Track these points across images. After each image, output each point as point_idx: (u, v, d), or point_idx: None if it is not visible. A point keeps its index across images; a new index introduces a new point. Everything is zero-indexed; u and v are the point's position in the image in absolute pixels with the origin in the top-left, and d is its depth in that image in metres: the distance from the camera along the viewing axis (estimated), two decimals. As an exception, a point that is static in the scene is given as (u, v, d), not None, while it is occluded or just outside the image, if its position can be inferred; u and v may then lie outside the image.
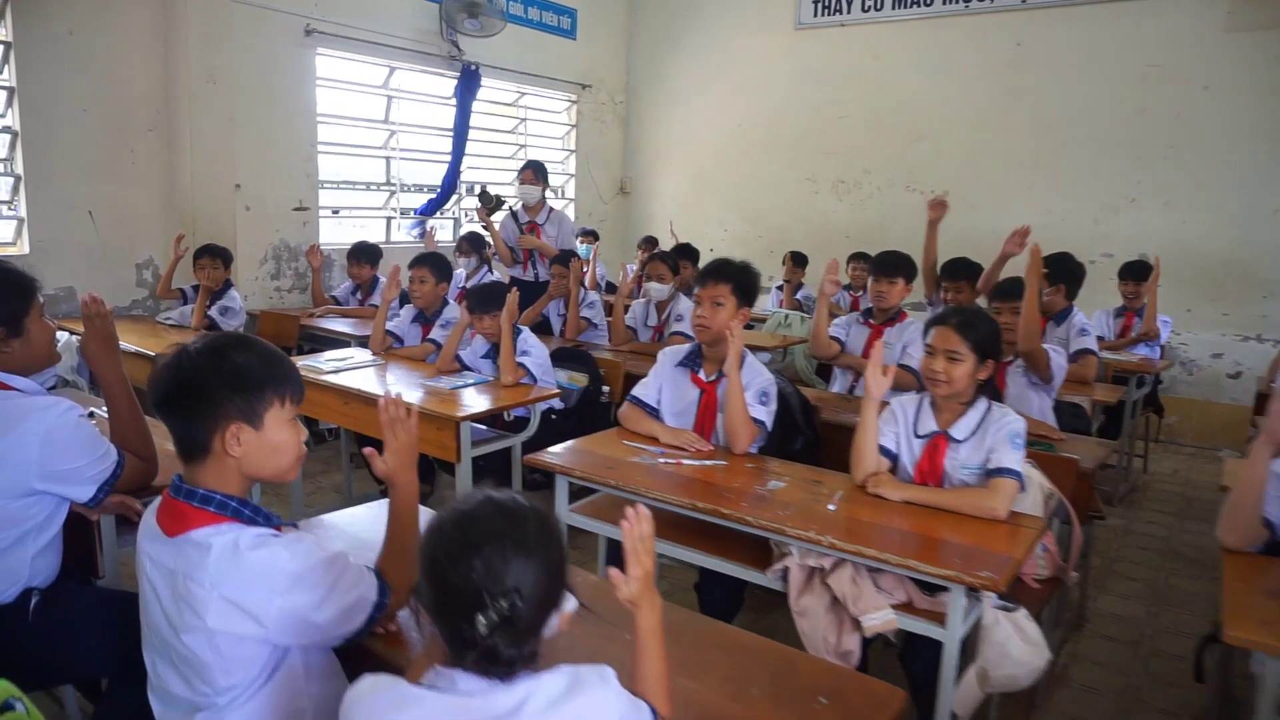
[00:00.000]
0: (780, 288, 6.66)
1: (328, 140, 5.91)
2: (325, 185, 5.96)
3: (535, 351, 3.53)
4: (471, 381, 3.41)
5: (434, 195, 6.71)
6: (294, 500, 3.70)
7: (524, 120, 7.51)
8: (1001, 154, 6.65)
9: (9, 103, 4.58)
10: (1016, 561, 1.93)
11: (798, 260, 6.56)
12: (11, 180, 4.67)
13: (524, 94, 7.43)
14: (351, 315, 5.32)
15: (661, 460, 2.54)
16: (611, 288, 7.19)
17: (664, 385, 2.89)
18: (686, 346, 2.93)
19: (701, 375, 2.82)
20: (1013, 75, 6.54)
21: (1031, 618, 2.04)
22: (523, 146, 7.52)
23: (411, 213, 6.68)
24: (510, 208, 5.45)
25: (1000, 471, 2.21)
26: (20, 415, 1.75)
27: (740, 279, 2.77)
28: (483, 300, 3.51)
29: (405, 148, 6.52)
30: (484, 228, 5.46)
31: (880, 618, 1.97)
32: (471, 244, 5.49)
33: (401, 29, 6.15)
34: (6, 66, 4.54)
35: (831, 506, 2.21)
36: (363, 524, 2.01)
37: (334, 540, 1.83)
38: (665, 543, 2.37)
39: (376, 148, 6.39)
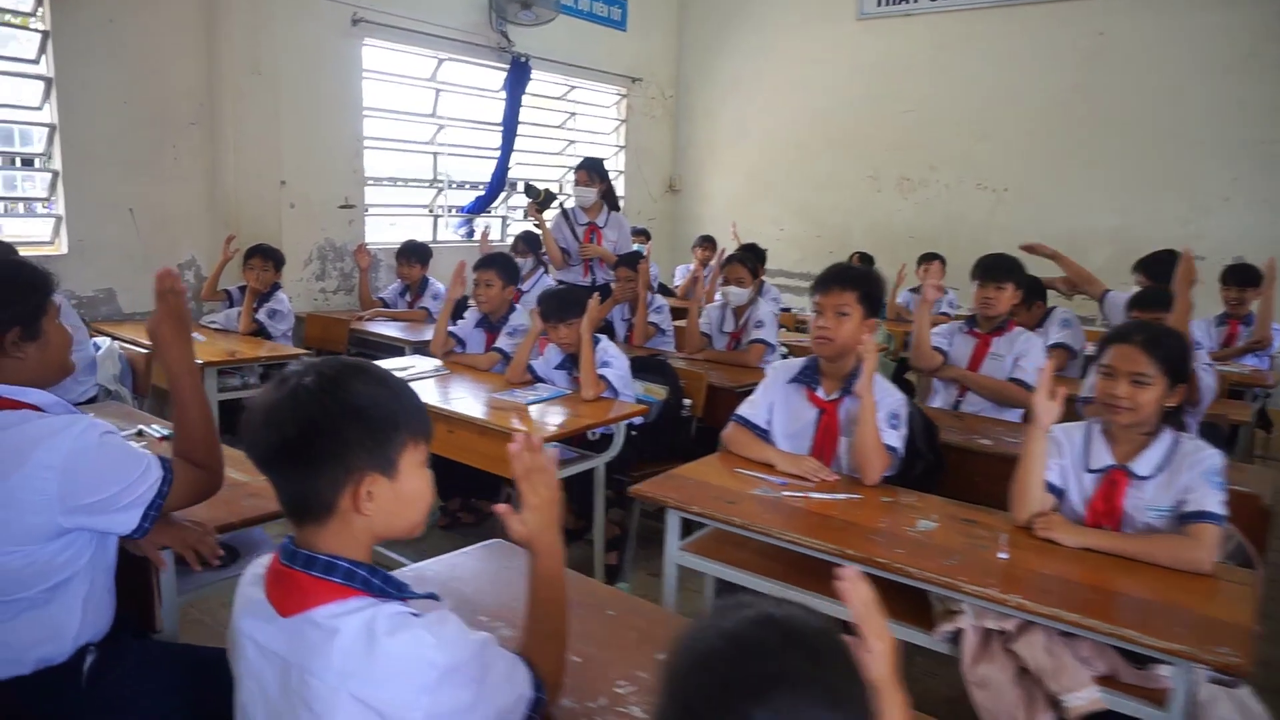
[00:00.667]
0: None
1: (373, 135, 5.64)
2: (371, 182, 5.69)
3: (617, 363, 3.22)
4: (547, 395, 3.11)
5: (481, 193, 6.43)
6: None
7: (573, 115, 7.21)
8: (1076, 150, 6.27)
9: (46, 95, 4.35)
10: (1251, 633, 1.59)
11: (865, 261, 6.20)
12: (49, 176, 4.43)
13: (573, 87, 7.14)
14: (401, 318, 5.05)
15: (786, 493, 2.23)
16: (665, 290, 6.89)
17: (775, 404, 2.57)
18: (799, 361, 2.60)
19: (820, 393, 2.50)
20: (1091, 66, 6.16)
21: (1256, 695, 1.71)
22: (572, 142, 7.22)
23: (457, 211, 6.41)
24: (562, 205, 5.07)
25: (1201, 516, 1.87)
26: (30, 444, 1.44)
27: (866, 286, 2.45)
28: (560, 306, 3.21)
29: (452, 143, 6.24)
30: (535, 226, 5.06)
31: (1085, 696, 1.64)
32: (528, 244, 5.20)
33: (450, 19, 5.87)
34: (44, 56, 4.30)
35: (1003, 555, 1.88)
36: (469, 575, 1.71)
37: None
38: (791, 588, 2.07)
39: (423, 143, 6.11)
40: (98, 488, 1.48)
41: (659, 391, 3.54)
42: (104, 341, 3.66)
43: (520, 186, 5.81)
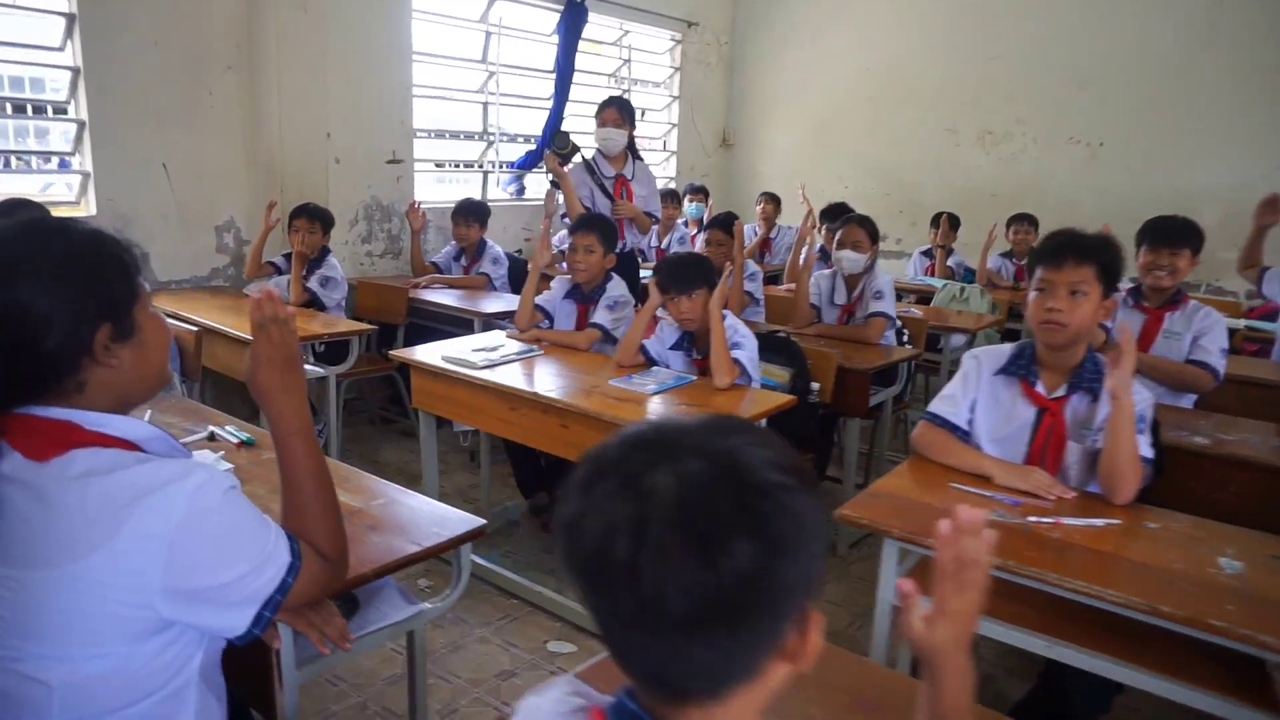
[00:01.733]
0: (927, 253, 5.83)
1: (421, 83, 5.12)
2: (419, 135, 5.18)
3: (748, 343, 2.77)
4: (671, 382, 2.66)
5: (533, 147, 5.92)
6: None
7: (626, 62, 6.66)
8: (1189, 100, 5.71)
9: (68, 33, 3.84)
10: None
11: (952, 222, 5.70)
12: (74, 127, 3.94)
13: (627, 31, 6.57)
14: (459, 285, 4.60)
15: (1033, 519, 1.79)
16: (724, 252, 6.41)
17: (979, 401, 2.12)
18: (1005, 349, 2.15)
19: (1040, 388, 2.05)
20: (1212, 10, 5.58)
21: None
22: (625, 91, 6.68)
23: (507, 166, 5.90)
24: (583, 157, 4.20)
25: None
26: (129, 502, 1.00)
27: (1105, 258, 1.98)
28: (683, 275, 2.75)
29: (504, 92, 5.71)
30: (553, 182, 4.23)
31: None
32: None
33: (502, -47, 5.32)
34: (65, -11, 3.80)
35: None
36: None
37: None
38: (1060, 644, 1.64)
39: (473, 91, 5.59)
40: (213, 569, 1.05)
41: (781, 374, 3.09)
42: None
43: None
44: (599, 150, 4.12)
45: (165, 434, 1.14)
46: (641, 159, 4.27)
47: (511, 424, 2.70)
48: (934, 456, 2.10)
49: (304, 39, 4.30)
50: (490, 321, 3.99)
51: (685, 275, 2.75)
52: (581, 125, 6.22)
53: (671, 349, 2.92)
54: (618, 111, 4.06)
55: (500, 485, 3.67)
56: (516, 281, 4.90)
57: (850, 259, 3.63)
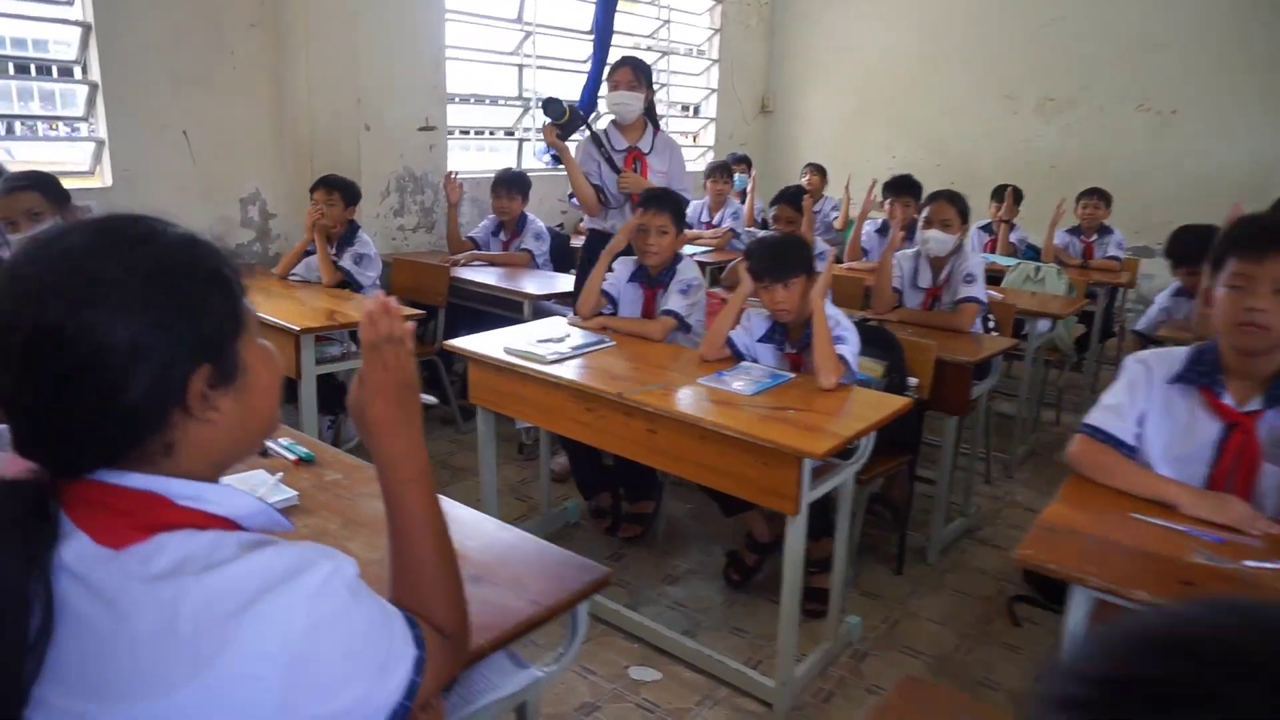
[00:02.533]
0: (986, 228, 5.49)
1: (454, 44, 4.77)
2: (452, 100, 4.85)
3: (852, 337, 2.47)
4: (769, 380, 2.36)
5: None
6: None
7: (666, 23, 6.28)
8: (1270, 65, 5.35)
9: (78, -15, 3.51)
10: None
11: (1016, 197, 5.35)
12: (86, 89, 3.62)
13: (667, -11, 6.20)
14: (499, 262, 4.29)
15: (1251, 563, 1.50)
16: (765, 225, 6.08)
17: (1150, 413, 1.82)
18: (1180, 352, 1.84)
19: (1228, 400, 1.75)
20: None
21: None
22: (664, 54, 6.31)
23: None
24: (589, 126, 3.64)
25: None
26: (236, 611, 0.72)
27: (1318, 248, 1.67)
28: (780, 262, 2.44)
29: (540, 54, 5.36)
30: (554, 156, 3.67)
31: None
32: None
33: (540, -98, 4.94)
34: (73, -64, 3.46)
35: None
36: None
37: None
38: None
39: (508, 53, 5.24)
40: (339, 689, 0.77)
41: (875, 368, 2.79)
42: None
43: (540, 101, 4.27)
44: (612, 120, 3.56)
45: (266, 505, 0.86)
46: (662, 129, 3.66)
47: (587, 426, 2.41)
48: (1098, 478, 1.80)
49: (334, -7, 3.97)
50: (540, 305, 3.69)
51: (783, 261, 2.45)
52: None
53: (760, 341, 2.61)
54: (632, 72, 3.44)
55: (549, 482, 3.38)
56: (560, 258, 4.60)
57: (938, 239, 3.31)
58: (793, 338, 2.57)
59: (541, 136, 5.47)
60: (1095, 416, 1.86)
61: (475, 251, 4.34)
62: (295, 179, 4.13)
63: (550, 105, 3.49)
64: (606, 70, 3.60)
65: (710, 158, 6.93)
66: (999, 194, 5.27)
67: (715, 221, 5.15)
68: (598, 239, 3.50)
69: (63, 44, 3.70)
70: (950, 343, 3.04)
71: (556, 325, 2.91)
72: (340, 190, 3.65)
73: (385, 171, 4.46)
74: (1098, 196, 5.11)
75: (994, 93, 6.29)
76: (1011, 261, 4.69)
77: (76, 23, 3.53)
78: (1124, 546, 1.55)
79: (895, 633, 2.63)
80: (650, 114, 3.58)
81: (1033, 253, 5.22)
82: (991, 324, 3.53)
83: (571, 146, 3.56)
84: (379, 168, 4.40)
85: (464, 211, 4.86)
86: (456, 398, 4.07)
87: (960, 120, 6.45)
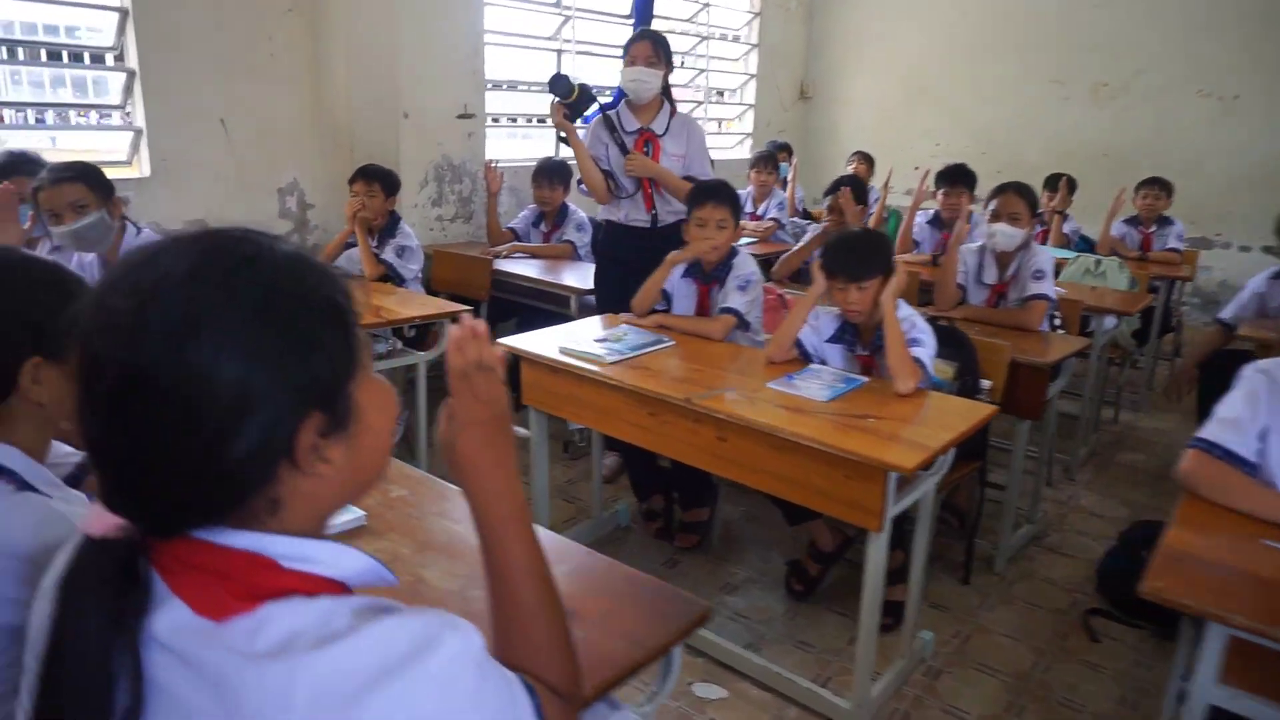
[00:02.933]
0: (1037, 218, 5.30)
1: (492, 29, 4.65)
2: (490, 86, 4.73)
3: (929, 340, 2.34)
4: (844, 386, 2.23)
5: (608, 98, 5.43)
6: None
7: (705, 7, 6.12)
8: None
9: (115, -30, 3.42)
10: None
11: (1071, 186, 5.16)
12: (124, 77, 3.53)
13: (706, -27, 6.04)
14: (541, 255, 4.18)
15: None
16: (808, 215, 5.93)
17: (1273, 428, 1.69)
18: (1309, 360, 1.71)
19: (1369, 416, 1.61)
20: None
21: None
22: (702, 39, 6.16)
23: (582, 121, 5.42)
24: (600, 104, 3.32)
25: None
26: (357, 692, 0.62)
27: None
28: (857, 261, 2.32)
29: (580, 39, 5.23)
30: (561, 138, 3.37)
31: None
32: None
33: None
34: (110, -81, 3.37)
35: None
36: None
37: None
38: None
39: (546, 38, 5.11)
40: None
41: (946, 370, 2.65)
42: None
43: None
44: (625, 99, 3.28)
45: (375, 562, 0.75)
46: (677, 110, 3.34)
47: (649, 431, 2.30)
48: (1218, 499, 1.66)
49: (373, -24, 3.86)
50: (585, 300, 3.58)
51: (860, 260, 2.31)
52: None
53: (829, 341, 2.49)
54: (651, 46, 3.14)
55: (589, 481, 3.27)
56: (601, 250, 4.47)
57: (1006, 234, 3.16)
58: (864, 339, 2.45)
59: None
60: (1211, 431, 1.72)
61: (516, 243, 4.23)
62: (333, 168, 4.04)
63: (557, 83, 3.19)
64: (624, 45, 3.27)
65: (749, 145, 6.79)
66: (1052, 183, 5.08)
67: (759, 213, 5.00)
68: (616, 234, 3.36)
69: (94, 30, 3.62)
70: (1021, 342, 2.90)
71: (613, 323, 2.80)
72: (380, 181, 3.55)
73: (423, 160, 4.36)
74: (1159, 186, 4.92)
75: (1043, 77, 6.09)
76: (1070, 254, 4.51)
77: (114, 8, 3.44)
78: (1259, 578, 1.42)
79: (968, 648, 2.51)
80: (667, 94, 3.30)
81: (1085, 244, 5.05)
82: (1057, 321, 3.38)
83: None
84: (417, 156, 4.29)
85: (502, 201, 4.74)
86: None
87: (1007, 106, 6.26)
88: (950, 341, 2.67)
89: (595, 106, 3.29)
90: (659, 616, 1.24)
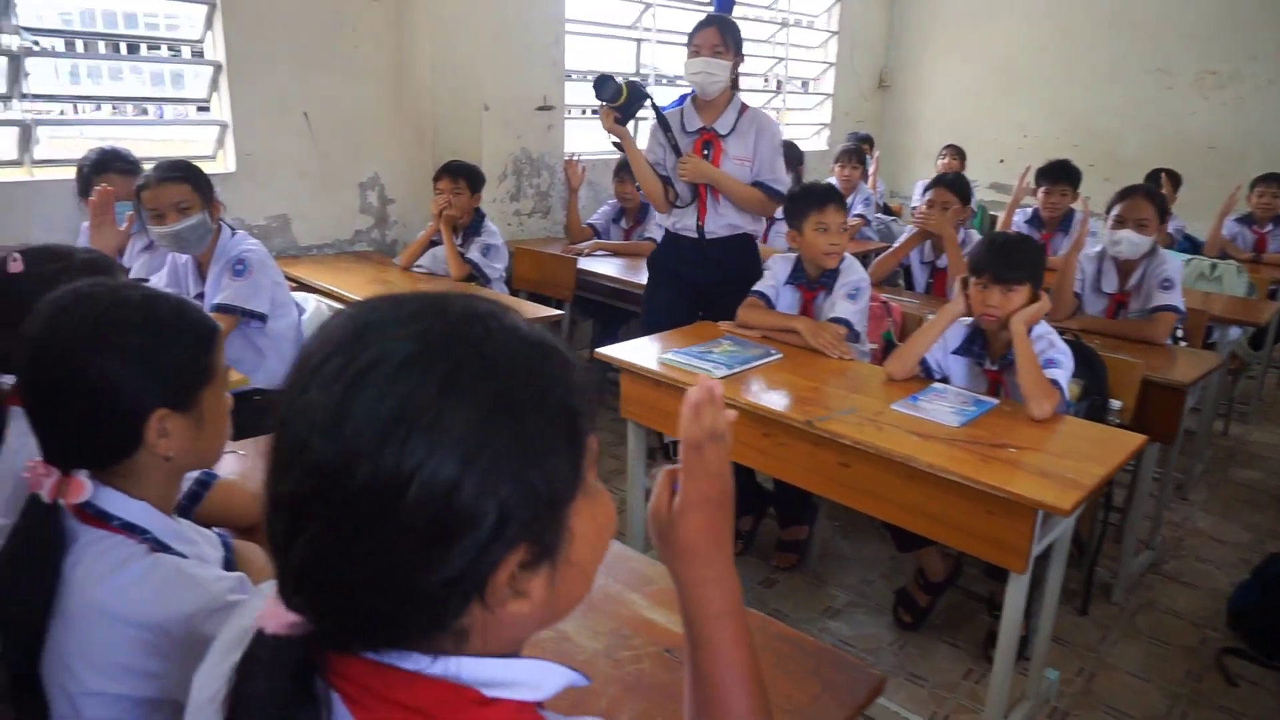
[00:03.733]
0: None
1: (573, 19, 4.53)
2: (570, 77, 4.62)
3: (1066, 360, 2.17)
4: (974, 409, 2.08)
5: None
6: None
7: (785, -8, 5.93)
8: None
9: (203, -39, 3.37)
10: None
11: (1172, 180, 4.87)
12: (210, 71, 3.49)
13: (788, -44, 5.83)
14: (623, 253, 4.06)
15: None
16: (888, 211, 5.72)
17: None
18: None
19: None
20: None
21: None
22: (782, 25, 5.96)
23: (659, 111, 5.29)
24: (654, 105, 2.99)
25: None
26: None
27: None
28: (1006, 260, 2.15)
29: (660, 27, 5.08)
30: (615, 144, 2.97)
31: None
32: (788, 158, 4.08)
33: None
34: (199, -90, 3.32)
35: None
36: None
37: None
38: None
39: (625, 27, 4.98)
40: None
41: (1072, 389, 2.47)
42: (306, 300, 2.77)
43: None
44: (691, 94, 3.00)
45: (572, 672, 0.63)
46: (751, 106, 2.99)
47: (765, 454, 2.17)
48: None
49: (459, -34, 3.76)
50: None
51: (1011, 262, 2.14)
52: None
53: (955, 353, 2.33)
54: (719, 33, 2.84)
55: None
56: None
57: (1133, 241, 2.95)
58: (994, 353, 2.28)
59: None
60: None
61: (598, 241, 4.12)
62: (415, 162, 3.97)
63: (603, 85, 2.82)
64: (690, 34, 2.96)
65: (826, 135, 6.58)
66: (1156, 177, 4.80)
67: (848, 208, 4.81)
68: (668, 243, 3.06)
69: (171, 20, 3.57)
70: (1144, 357, 2.70)
71: (712, 332, 2.67)
72: (466, 177, 3.46)
73: (503, 154, 4.26)
74: (1278, 184, 4.61)
75: (1144, 65, 5.76)
76: (1182, 257, 4.25)
77: (202, 1, 3.39)
78: None
79: (1094, 688, 2.34)
80: (736, 87, 2.98)
81: (1189, 244, 4.77)
82: (1179, 333, 3.17)
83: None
84: (497, 150, 4.20)
85: (580, 197, 4.65)
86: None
87: (1104, 95, 5.95)
88: (1078, 358, 2.48)
89: (648, 104, 2.95)
90: (832, 689, 1.12)
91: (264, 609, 0.58)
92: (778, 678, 1.14)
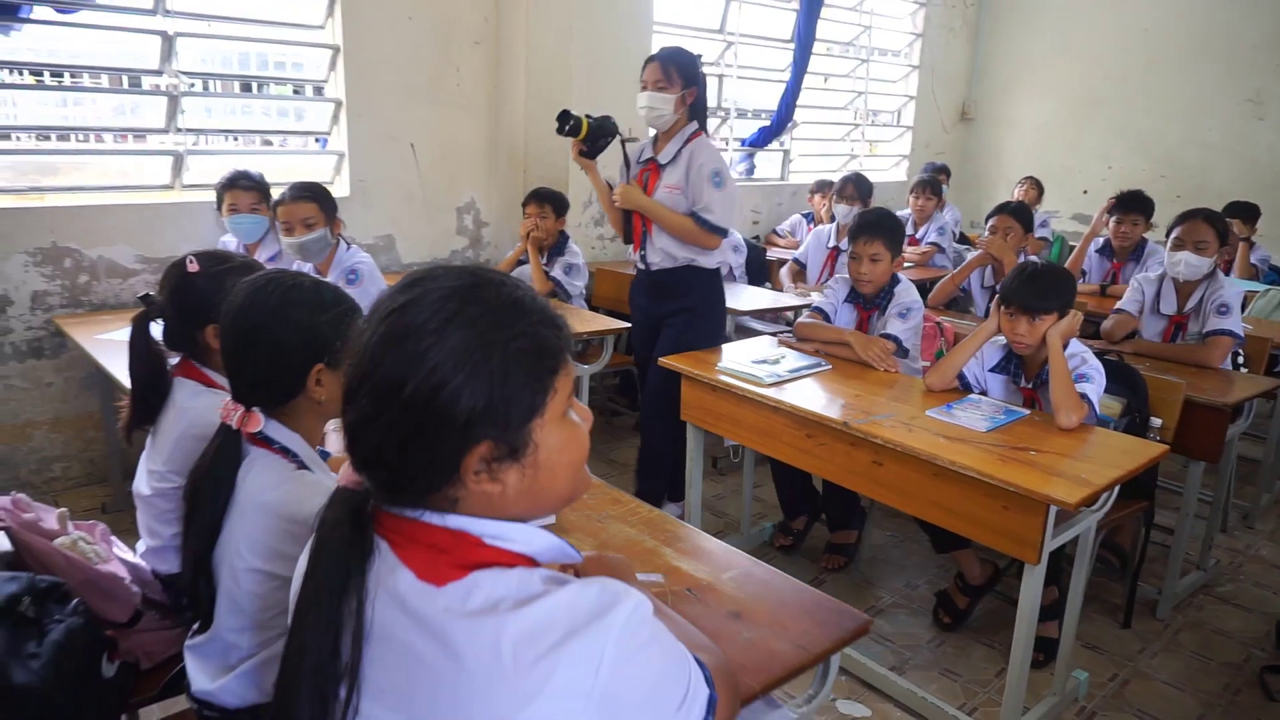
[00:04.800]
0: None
1: (658, 55, 4.85)
2: (653, 111, 4.93)
3: (1098, 377, 2.30)
4: (1004, 418, 2.24)
5: (766, 122, 5.54)
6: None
7: (866, 29, 6.12)
8: None
9: (330, 11, 3.81)
10: None
11: (1247, 213, 4.80)
12: (331, 107, 3.94)
13: (870, -5, 6.04)
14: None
15: None
16: (964, 239, 5.80)
17: None
18: None
19: None
20: None
21: None
22: (863, 61, 6.16)
23: (740, 144, 5.56)
24: (622, 137, 3.07)
25: None
26: (552, 647, 0.75)
27: None
28: (1032, 291, 2.31)
29: (741, 64, 5.36)
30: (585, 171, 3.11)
31: None
32: (858, 189, 4.28)
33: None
34: (329, -34, 3.77)
35: None
36: None
37: None
38: None
39: (709, 64, 5.27)
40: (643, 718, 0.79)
41: (1113, 406, 2.59)
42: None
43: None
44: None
45: (561, 542, 0.89)
46: (704, 133, 2.98)
47: (806, 453, 2.38)
48: None
49: (551, 11, 4.12)
50: (740, 320, 3.68)
51: (1038, 293, 2.29)
52: (809, 98, 5.78)
53: (992, 371, 2.49)
54: (660, 68, 2.86)
55: (737, 496, 3.35)
56: (754, 271, 4.59)
57: (1191, 264, 3.03)
58: (1029, 373, 2.43)
59: (737, 145, 5.50)
60: None
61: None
62: (508, 189, 4.32)
63: (563, 119, 2.93)
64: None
65: (905, 167, 6.71)
66: (1238, 210, 4.76)
67: (918, 236, 4.95)
68: (636, 277, 3.18)
69: (297, 63, 4.01)
70: (1198, 380, 2.78)
71: (771, 346, 2.89)
72: (552, 203, 3.80)
73: (588, 182, 4.58)
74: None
75: (1236, 95, 5.71)
76: (1258, 286, 4.24)
77: (327, 46, 3.84)
78: None
79: (1126, 693, 2.43)
80: (699, 116, 2.98)
81: (1275, 274, 4.72)
82: (1240, 359, 3.21)
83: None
84: (583, 178, 4.50)
85: (660, 221, 4.93)
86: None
87: (1192, 126, 5.91)
88: (1119, 377, 2.61)
89: (616, 139, 3.07)
90: (821, 624, 1.33)
91: (341, 474, 0.86)
92: (790, 618, 1.36)
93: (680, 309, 3.04)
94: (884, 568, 3.05)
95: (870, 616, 1.37)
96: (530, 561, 0.85)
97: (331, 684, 0.79)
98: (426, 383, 0.76)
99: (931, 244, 4.91)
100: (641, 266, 3.12)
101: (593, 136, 2.98)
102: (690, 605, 1.37)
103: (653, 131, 3.05)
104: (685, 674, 0.84)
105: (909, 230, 4.95)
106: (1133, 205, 4.12)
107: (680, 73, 2.88)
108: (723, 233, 2.95)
